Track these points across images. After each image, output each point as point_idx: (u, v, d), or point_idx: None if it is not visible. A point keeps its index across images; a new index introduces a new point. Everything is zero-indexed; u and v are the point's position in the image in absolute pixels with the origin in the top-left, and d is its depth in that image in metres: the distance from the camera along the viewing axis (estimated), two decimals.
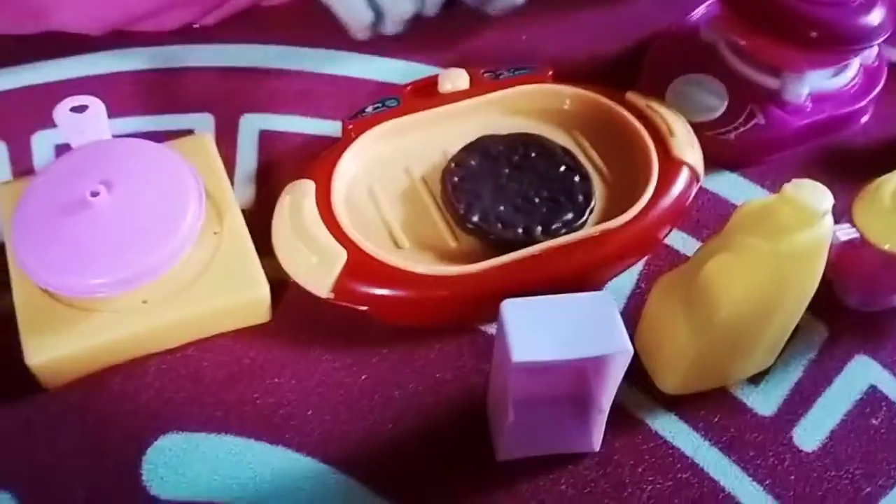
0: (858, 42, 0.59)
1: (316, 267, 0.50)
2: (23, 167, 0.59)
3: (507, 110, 0.61)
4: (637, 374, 0.50)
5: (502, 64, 0.62)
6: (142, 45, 0.66)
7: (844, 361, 0.52)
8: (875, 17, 0.59)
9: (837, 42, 0.59)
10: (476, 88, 0.60)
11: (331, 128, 0.62)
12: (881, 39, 0.59)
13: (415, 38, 0.68)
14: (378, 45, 0.68)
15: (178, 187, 0.50)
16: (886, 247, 0.49)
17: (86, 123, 0.54)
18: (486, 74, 0.61)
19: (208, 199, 0.52)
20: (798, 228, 0.42)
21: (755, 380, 0.51)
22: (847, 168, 0.61)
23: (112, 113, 0.55)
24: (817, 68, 0.61)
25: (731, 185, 0.60)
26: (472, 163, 0.57)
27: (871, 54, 0.64)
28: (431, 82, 0.61)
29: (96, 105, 0.54)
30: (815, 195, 0.42)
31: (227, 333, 0.52)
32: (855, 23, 0.58)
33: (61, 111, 0.53)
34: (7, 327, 0.49)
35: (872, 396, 0.51)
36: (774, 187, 0.59)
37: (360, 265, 0.50)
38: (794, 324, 0.48)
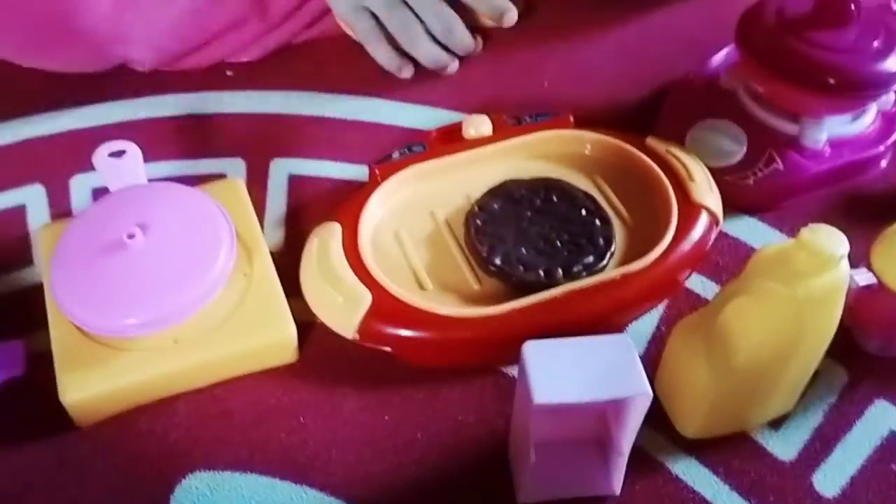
0: (876, 88, 0.60)
1: (342, 308, 0.52)
2: (61, 210, 0.62)
3: (530, 155, 0.62)
4: (657, 418, 0.50)
5: (524, 110, 0.63)
6: (177, 91, 0.69)
7: (864, 406, 0.52)
8: (892, 63, 0.60)
9: (855, 88, 0.60)
10: (499, 134, 0.62)
11: (358, 172, 0.64)
12: None
13: (439, 86, 0.70)
14: (404, 91, 0.70)
15: (211, 230, 0.52)
16: None
17: (123, 168, 0.56)
18: (508, 120, 0.63)
19: (239, 241, 0.54)
20: (814, 273, 0.42)
21: (775, 424, 0.51)
22: (866, 212, 0.61)
23: (148, 157, 0.57)
24: (835, 114, 0.62)
25: (750, 230, 0.61)
26: (495, 206, 0.58)
27: (889, 100, 0.65)
28: (455, 128, 0.62)
29: (133, 150, 0.56)
30: (830, 240, 0.43)
31: (255, 373, 0.53)
32: (872, 69, 0.59)
33: (100, 156, 0.56)
34: (43, 365, 0.51)
35: (892, 442, 0.50)
36: (794, 232, 0.59)
37: (385, 306, 0.52)
38: (814, 368, 0.49)
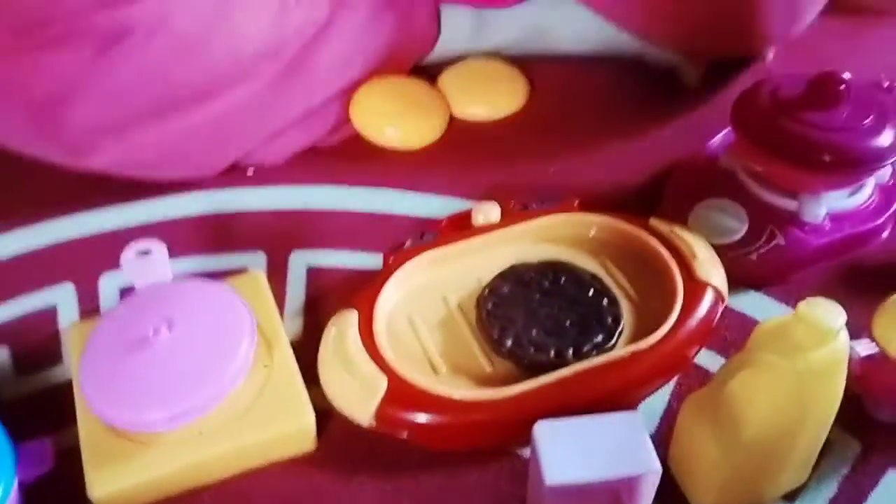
0: (870, 163, 0.62)
1: (358, 396, 0.53)
2: (90, 308, 0.64)
3: (538, 239, 0.64)
4: (672, 494, 0.50)
5: (531, 196, 0.66)
6: (200, 189, 0.72)
7: (878, 476, 0.52)
8: (885, 138, 0.62)
9: (850, 164, 0.62)
10: (507, 220, 0.64)
11: (373, 261, 0.66)
12: (893, 159, 0.62)
13: (449, 175, 0.73)
14: (415, 182, 0.72)
15: (233, 324, 0.54)
16: None
17: (149, 266, 0.58)
18: (516, 206, 0.65)
19: (260, 333, 0.56)
20: (813, 346, 0.44)
21: (790, 497, 0.51)
22: (868, 283, 0.62)
23: (173, 254, 0.59)
24: (832, 190, 0.64)
25: (755, 304, 0.62)
26: (505, 290, 0.60)
27: (885, 173, 0.66)
28: (465, 216, 0.65)
29: (159, 248, 0.59)
30: (828, 313, 0.44)
31: (275, 462, 0.54)
32: (865, 145, 0.62)
33: (127, 255, 0.58)
34: (72, 461, 0.53)
35: None
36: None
37: (401, 392, 0.53)
38: (822, 439, 0.49)
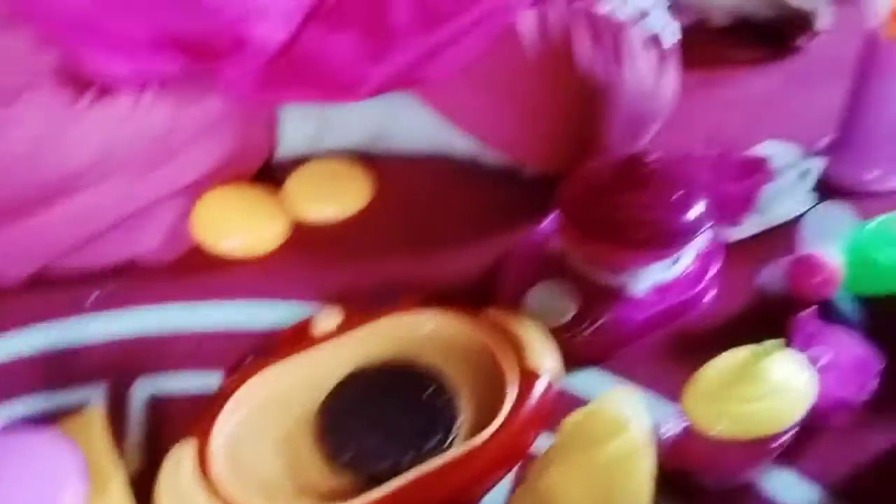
0: (681, 237, 0.66)
1: None
2: None
3: (378, 341, 0.65)
4: None
5: (372, 297, 0.67)
6: (33, 324, 0.70)
7: None
8: (694, 211, 0.66)
9: (662, 240, 0.65)
10: (347, 325, 0.65)
11: (216, 382, 0.65)
12: (703, 230, 0.66)
13: (293, 280, 0.74)
14: (259, 291, 0.73)
15: (59, 473, 0.53)
16: (713, 433, 0.52)
17: None
18: (356, 310, 0.66)
19: (94, 476, 0.55)
20: (610, 437, 0.46)
21: None
22: (695, 351, 0.65)
23: (9, 396, 0.57)
24: (650, 264, 0.67)
25: (590, 383, 0.64)
26: (344, 399, 0.61)
27: (702, 241, 0.70)
28: (305, 325, 0.65)
29: None
30: (624, 404, 0.46)
31: None
32: (676, 220, 0.65)
33: None
34: None
35: None
36: (633, 378, 0.64)
37: None
38: None
